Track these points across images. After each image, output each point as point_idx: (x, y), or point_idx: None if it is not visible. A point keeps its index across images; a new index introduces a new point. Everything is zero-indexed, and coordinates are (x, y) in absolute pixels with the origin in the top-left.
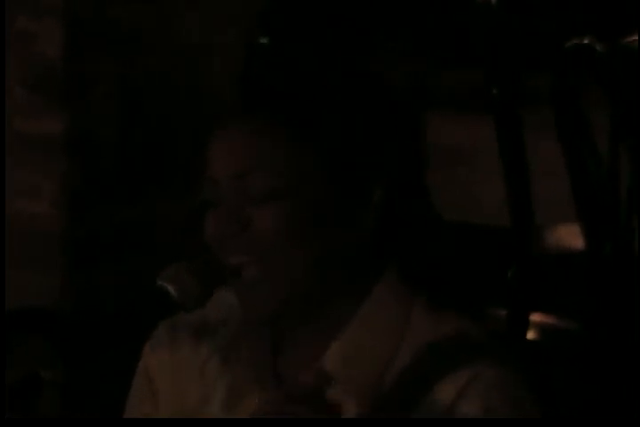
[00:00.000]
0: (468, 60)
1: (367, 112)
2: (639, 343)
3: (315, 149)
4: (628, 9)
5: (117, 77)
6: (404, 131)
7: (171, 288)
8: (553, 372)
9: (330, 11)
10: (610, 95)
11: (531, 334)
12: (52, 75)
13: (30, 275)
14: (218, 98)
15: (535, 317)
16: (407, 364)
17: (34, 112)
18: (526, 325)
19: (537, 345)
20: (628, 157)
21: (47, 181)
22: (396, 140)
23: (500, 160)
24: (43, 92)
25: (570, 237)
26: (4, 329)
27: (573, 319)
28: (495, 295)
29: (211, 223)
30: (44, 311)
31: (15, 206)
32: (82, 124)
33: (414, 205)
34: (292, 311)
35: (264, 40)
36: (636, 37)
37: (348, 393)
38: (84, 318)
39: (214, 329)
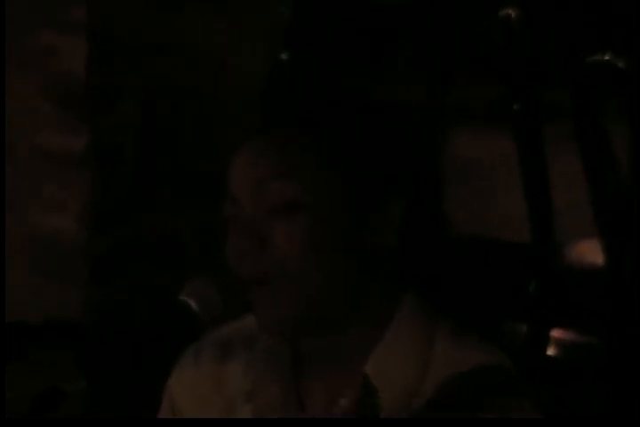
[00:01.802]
0: (485, 74)
1: (388, 127)
2: None
3: (335, 162)
4: None
5: (140, 92)
6: (424, 146)
7: (192, 302)
8: (573, 388)
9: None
10: (629, 110)
11: (551, 350)
12: (77, 90)
13: (54, 288)
14: (242, 110)
15: (555, 332)
16: (433, 396)
17: (58, 127)
18: (546, 340)
19: (557, 361)
20: None
21: (71, 195)
22: (417, 156)
23: (521, 175)
24: (67, 107)
25: (590, 251)
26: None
27: (594, 335)
28: (515, 311)
29: (230, 238)
30: (67, 325)
31: (40, 221)
32: (105, 140)
33: (432, 221)
34: (310, 329)
35: (288, 54)
36: None
37: None
38: (106, 331)
39: (238, 350)
